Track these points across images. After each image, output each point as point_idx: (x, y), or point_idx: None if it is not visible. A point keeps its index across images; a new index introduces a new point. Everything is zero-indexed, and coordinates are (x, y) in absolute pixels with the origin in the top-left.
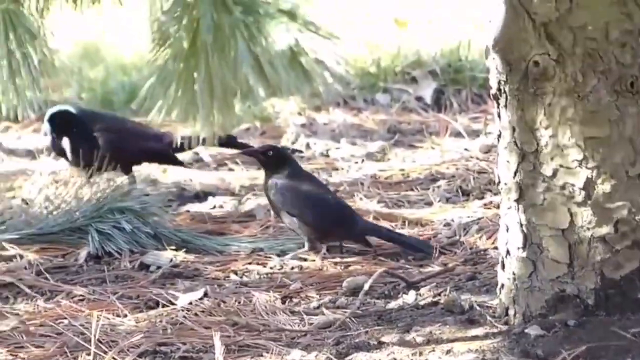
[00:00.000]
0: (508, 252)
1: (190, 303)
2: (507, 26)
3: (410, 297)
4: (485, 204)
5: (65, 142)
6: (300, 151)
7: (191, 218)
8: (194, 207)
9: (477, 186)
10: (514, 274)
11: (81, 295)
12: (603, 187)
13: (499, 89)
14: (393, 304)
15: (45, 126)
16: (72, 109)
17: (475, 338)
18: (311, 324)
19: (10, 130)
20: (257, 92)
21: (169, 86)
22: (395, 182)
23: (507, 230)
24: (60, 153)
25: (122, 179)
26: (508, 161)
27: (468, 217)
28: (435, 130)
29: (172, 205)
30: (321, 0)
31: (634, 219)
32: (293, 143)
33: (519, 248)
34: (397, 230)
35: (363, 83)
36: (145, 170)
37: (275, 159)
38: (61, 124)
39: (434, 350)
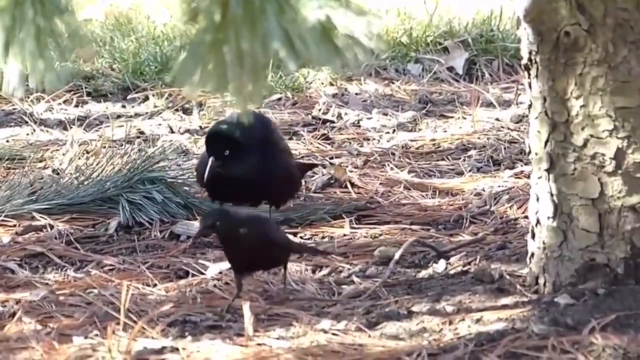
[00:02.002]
0: (538, 222)
1: (220, 273)
2: None
3: (440, 267)
4: (516, 174)
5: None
6: (332, 121)
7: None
8: None
9: (508, 156)
10: (544, 243)
11: (111, 265)
12: (633, 156)
13: (530, 59)
14: (423, 273)
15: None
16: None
17: (505, 307)
18: (340, 293)
19: (42, 100)
20: (287, 65)
21: (200, 60)
22: (427, 152)
23: (538, 199)
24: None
25: (153, 149)
26: (539, 131)
27: (499, 186)
28: (466, 101)
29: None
30: None
31: None
32: (324, 113)
33: (549, 217)
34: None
35: (394, 53)
36: (176, 140)
37: None
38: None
39: (463, 320)
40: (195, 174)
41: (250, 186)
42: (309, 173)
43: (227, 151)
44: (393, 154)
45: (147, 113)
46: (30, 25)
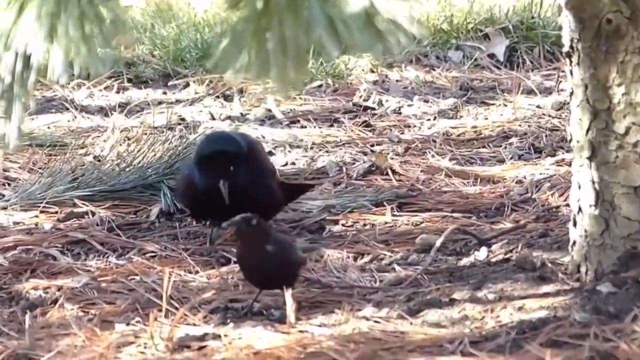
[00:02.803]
0: (580, 210)
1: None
2: None
3: (481, 254)
4: (557, 161)
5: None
6: (373, 108)
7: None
8: None
9: (549, 143)
10: (585, 231)
11: (153, 251)
12: None
13: (571, 47)
14: (465, 261)
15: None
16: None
17: (546, 295)
18: (382, 281)
19: (83, 87)
20: (330, 52)
21: (243, 47)
22: (468, 139)
23: (579, 187)
24: None
25: (194, 136)
26: (580, 119)
27: (540, 174)
28: (507, 88)
29: None
30: None
31: None
32: (365, 100)
33: (591, 205)
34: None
35: (435, 40)
36: (217, 127)
37: None
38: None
39: (505, 307)
40: (176, 191)
41: (247, 200)
42: (349, 160)
43: (231, 167)
44: (434, 141)
45: (188, 100)
46: (74, 10)
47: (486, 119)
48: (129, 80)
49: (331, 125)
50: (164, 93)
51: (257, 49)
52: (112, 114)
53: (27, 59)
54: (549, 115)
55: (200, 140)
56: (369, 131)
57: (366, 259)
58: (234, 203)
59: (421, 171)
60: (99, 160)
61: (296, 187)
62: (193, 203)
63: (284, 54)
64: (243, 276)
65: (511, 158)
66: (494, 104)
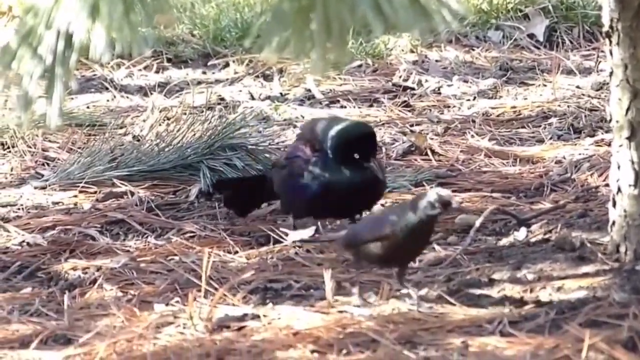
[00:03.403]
0: (619, 190)
1: (301, 240)
2: None
3: (521, 234)
4: (596, 142)
5: None
6: (412, 88)
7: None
8: None
9: (588, 124)
10: (625, 211)
11: (192, 232)
12: None
13: (611, 27)
14: (504, 241)
15: None
16: None
17: (586, 275)
18: (422, 261)
19: (122, 66)
20: (375, 30)
21: (285, 25)
22: (507, 120)
23: (619, 167)
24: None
25: (233, 116)
26: (620, 99)
27: (579, 154)
28: (547, 68)
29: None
30: None
31: None
32: (405, 80)
33: (630, 185)
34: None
35: (475, 20)
36: (256, 107)
37: None
38: None
39: (544, 287)
40: (287, 194)
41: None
42: (389, 140)
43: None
44: (473, 121)
45: (227, 79)
46: None
47: (525, 99)
48: (169, 60)
49: (371, 105)
50: (204, 73)
51: (300, 28)
52: (151, 93)
53: (69, 38)
54: (589, 96)
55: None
56: (409, 111)
57: None
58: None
59: (460, 151)
60: (138, 140)
61: None
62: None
63: (327, 33)
64: None
65: (550, 138)
66: (533, 84)
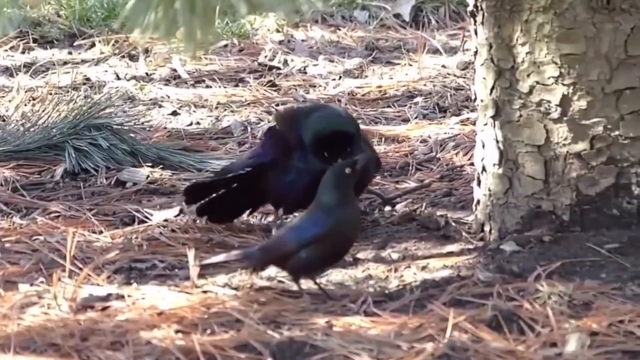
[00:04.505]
0: (484, 169)
1: (166, 220)
2: None
3: (385, 214)
4: (462, 121)
5: None
6: (278, 68)
7: (168, 135)
8: (171, 124)
9: (454, 103)
10: (489, 190)
11: (57, 212)
12: (579, 103)
13: (476, 6)
14: (368, 220)
15: None
16: None
17: (450, 254)
18: None
19: None
20: (238, 10)
21: (150, 5)
22: (373, 99)
23: (483, 146)
24: None
25: (99, 96)
26: (484, 78)
27: (445, 133)
28: (412, 47)
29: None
30: None
31: (610, 135)
32: (270, 60)
33: (494, 164)
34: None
35: (341, 0)
36: (122, 87)
37: None
38: None
39: (409, 267)
40: (279, 192)
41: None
42: (254, 120)
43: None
44: (339, 100)
45: (93, 59)
46: None
47: (391, 78)
48: (35, 40)
49: (236, 85)
50: (70, 53)
51: (165, 8)
52: (17, 74)
53: None
54: (454, 75)
55: (309, 120)
56: (274, 91)
57: (269, 218)
58: None
59: None
60: (4, 120)
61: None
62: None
63: (191, 12)
64: None
65: (416, 117)
66: (399, 64)
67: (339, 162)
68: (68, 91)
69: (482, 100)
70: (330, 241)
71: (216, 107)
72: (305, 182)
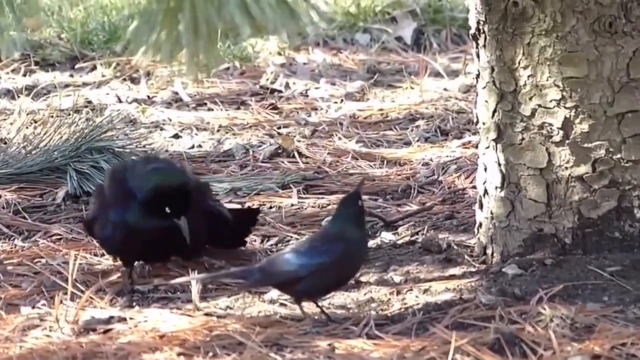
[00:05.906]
0: (486, 192)
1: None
2: None
3: (388, 236)
4: (463, 144)
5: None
6: (280, 91)
7: (170, 158)
8: (173, 147)
9: (455, 126)
10: (492, 213)
11: (59, 234)
12: (581, 126)
13: (478, 29)
14: (371, 243)
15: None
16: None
17: (452, 277)
18: None
19: None
20: (242, 31)
21: (153, 27)
22: (374, 122)
23: (486, 169)
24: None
25: (100, 119)
26: (487, 101)
27: (446, 156)
28: (414, 70)
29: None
30: None
31: (612, 158)
32: (272, 83)
33: (497, 187)
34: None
35: (343, 23)
36: (123, 109)
37: None
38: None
39: (411, 290)
40: (95, 232)
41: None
42: (256, 142)
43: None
44: (341, 123)
45: (94, 82)
46: None
47: (393, 101)
48: (36, 63)
49: (238, 108)
50: (71, 76)
51: (168, 30)
52: (18, 96)
53: None
54: (456, 98)
55: (133, 174)
56: (276, 114)
57: (272, 241)
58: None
59: (328, 153)
60: (5, 143)
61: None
62: (134, 249)
63: (195, 35)
64: None
65: (418, 140)
66: (401, 87)
67: (349, 193)
68: (70, 114)
69: (484, 123)
70: (337, 270)
71: (218, 130)
72: (123, 237)
